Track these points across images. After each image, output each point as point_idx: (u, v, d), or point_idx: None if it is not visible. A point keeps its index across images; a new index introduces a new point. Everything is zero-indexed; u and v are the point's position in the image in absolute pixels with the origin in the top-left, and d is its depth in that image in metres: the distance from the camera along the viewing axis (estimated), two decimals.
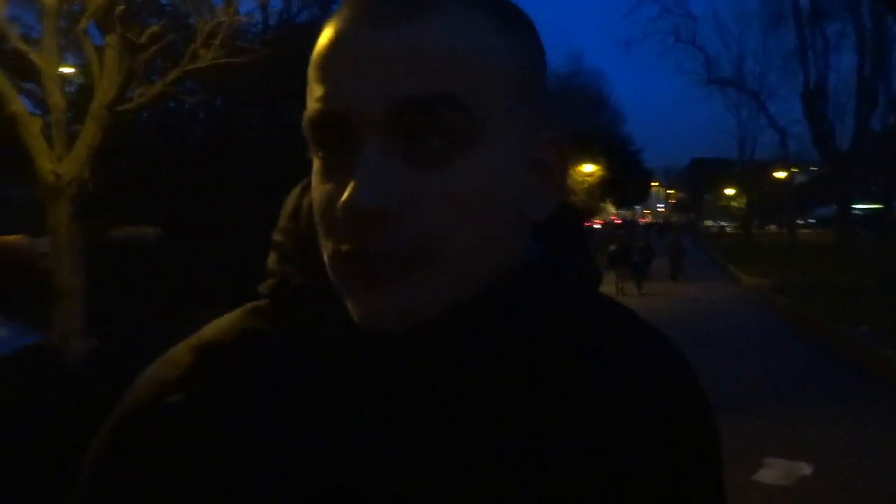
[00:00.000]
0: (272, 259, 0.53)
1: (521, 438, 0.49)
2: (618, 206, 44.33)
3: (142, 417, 0.47)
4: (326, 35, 0.47)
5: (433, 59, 0.45)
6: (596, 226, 36.66)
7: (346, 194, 0.44)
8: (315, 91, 0.47)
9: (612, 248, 16.50)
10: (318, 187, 0.48)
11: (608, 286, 16.31)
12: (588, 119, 31.88)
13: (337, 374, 0.48)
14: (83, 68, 7.91)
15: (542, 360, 0.50)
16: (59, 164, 5.45)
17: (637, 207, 76.43)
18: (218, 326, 0.53)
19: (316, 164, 0.49)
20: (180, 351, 0.51)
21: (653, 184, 74.31)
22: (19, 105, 5.48)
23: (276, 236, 0.54)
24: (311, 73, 0.48)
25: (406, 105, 0.44)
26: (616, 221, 46.10)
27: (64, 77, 6.59)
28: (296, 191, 0.56)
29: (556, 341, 0.51)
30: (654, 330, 0.61)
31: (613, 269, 16.36)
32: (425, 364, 0.47)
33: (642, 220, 68.79)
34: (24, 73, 6.31)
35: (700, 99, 54.26)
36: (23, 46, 5.56)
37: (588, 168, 22.22)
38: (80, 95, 7.85)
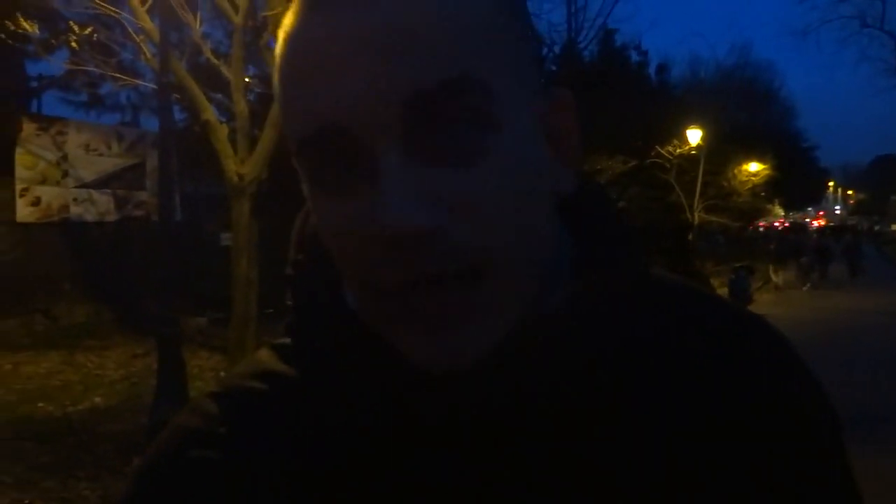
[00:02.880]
0: (289, 295, 0.48)
1: (591, 480, 0.41)
2: (787, 207, 41.15)
3: (163, 471, 0.46)
4: (295, 34, 0.39)
5: (437, 35, 0.37)
6: (760, 227, 34.28)
7: (375, 218, 0.36)
8: (296, 108, 0.38)
9: (772, 246, 17.19)
10: (327, 219, 0.40)
11: (763, 294, 15.23)
12: (756, 114, 29.88)
13: (383, 426, 0.41)
14: (261, 79, 8.69)
15: (616, 379, 0.43)
16: (241, 166, 6.06)
17: (810, 209, 70.56)
18: (245, 367, 0.50)
19: (314, 194, 0.41)
20: (206, 398, 0.48)
21: (829, 184, 68.31)
22: (211, 114, 6.17)
23: (289, 270, 0.48)
24: (286, 88, 0.39)
25: (424, 98, 0.36)
26: (784, 224, 42.79)
27: (246, 86, 7.29)
28: (299, 219, 0.49)
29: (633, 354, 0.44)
30: (750, 322, 0.49)
31: (774, 265, 17.00)
32: (500, 405, 0.40)
33: (814, 223, 63.36)
34: (213, 84, 7.06)
35: (887, 90, 48.86)
36: (215, 60, 6.23)
37: (753, 167, 20.76)
38: (258, 104, 8.61)
